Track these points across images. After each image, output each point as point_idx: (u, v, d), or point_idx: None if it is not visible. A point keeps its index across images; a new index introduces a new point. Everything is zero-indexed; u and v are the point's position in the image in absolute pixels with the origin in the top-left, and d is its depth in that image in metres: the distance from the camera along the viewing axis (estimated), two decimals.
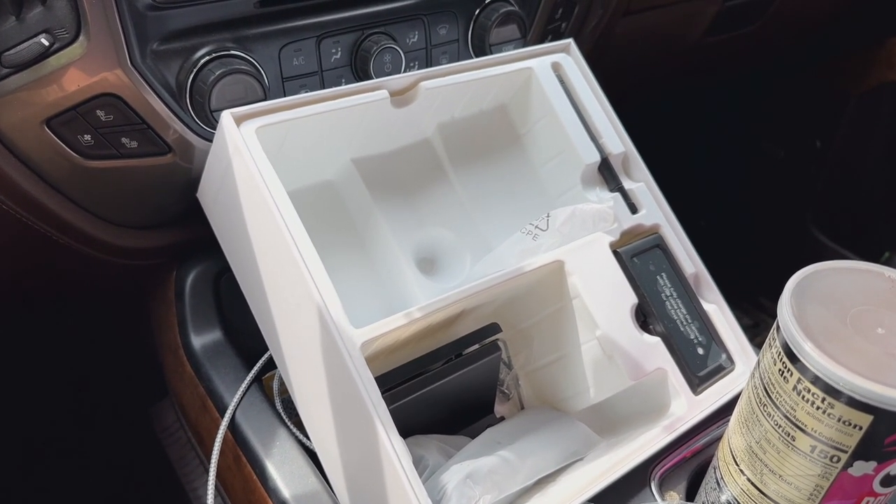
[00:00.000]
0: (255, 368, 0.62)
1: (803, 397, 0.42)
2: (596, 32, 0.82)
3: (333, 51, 0.61)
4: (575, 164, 0.65)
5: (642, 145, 0.69)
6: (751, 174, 1.52)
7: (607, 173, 0.67)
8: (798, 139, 1.41)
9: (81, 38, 0.50)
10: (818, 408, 0.42)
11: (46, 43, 0.49)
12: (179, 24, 0.54)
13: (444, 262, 0.65)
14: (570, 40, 0.69)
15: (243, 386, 0.61)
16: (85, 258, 0.65)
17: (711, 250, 0.75)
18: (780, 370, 0.44)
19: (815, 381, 0.42)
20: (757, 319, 1.45)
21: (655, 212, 0.66)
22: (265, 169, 0.51)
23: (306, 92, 0.57)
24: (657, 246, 0.65)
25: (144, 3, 0.52)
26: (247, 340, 0.64)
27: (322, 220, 0.60)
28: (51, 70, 0.50)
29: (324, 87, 0.61)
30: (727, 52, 1.19)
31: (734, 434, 0.49)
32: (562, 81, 0.67)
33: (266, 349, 0.60)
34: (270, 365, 0.61)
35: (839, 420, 0.41)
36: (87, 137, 0.54)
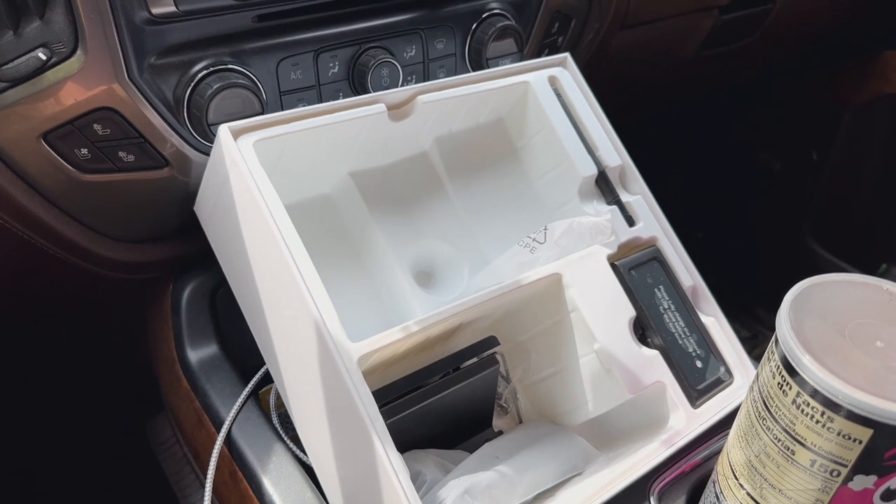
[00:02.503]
0: (252, 383, 0.62)
1: (802, 411, 0.42)
2: (592, 46, 0.83)
3: (331, 65, 0.61)
4: (572, 177, 0.65)
5: (639, 158, 0.69)
6: (747, 186, 1.53)
7: (604, 186, 0.67)
8: (794, 151, 1.42)
9: (79, 52, 0.50)
10: (817, 421, 0.42)
11: (44, 57, 0.49)
12: (177, 38, 0.54)
13: (442, 276, 0.65)
14: (567, 54, 0.69)
15: (239, 400, 0.61)
16: (81, 272, 0.64)
17: (709, 262, 0.75)
18: (778, 384, 0.44)
19: (815, 394, 0.41)
20: (755, 331, 1.45)
21: (653, 224, 0.67)
22: (262, 182, 0.51)
23: (304, 106, 0.57)
24: (655, 258, 0.65)
25: (142, 17, 0.52)
26: (243, 355, 0.63)
27: (319, 234, 0.60)
28: (48, 84, 0.50)
29: (321, 101, 0.61)
30: (723, 66, 1.20)
31: (733, 448, 0.49)
32: (558, 95, 0.67)
33: (262, 363, 0.59)
34: (267, 379, 0.61)
35: (839, 434, 0.41)
36: (84, 151, 0.54)
